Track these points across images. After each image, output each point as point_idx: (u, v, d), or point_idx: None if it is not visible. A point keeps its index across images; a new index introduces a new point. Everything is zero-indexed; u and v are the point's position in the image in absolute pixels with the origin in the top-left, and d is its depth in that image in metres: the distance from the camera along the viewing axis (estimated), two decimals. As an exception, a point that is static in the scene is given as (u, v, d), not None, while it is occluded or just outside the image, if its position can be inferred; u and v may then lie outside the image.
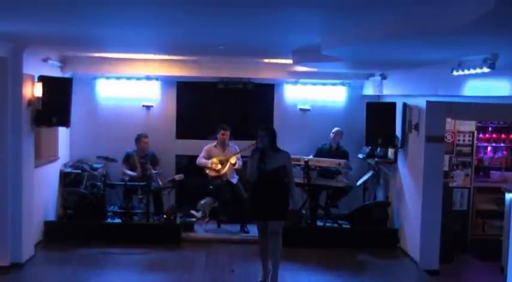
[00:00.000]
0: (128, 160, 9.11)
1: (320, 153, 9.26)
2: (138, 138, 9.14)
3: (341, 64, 7.72)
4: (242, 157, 8.95)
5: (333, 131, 9.35)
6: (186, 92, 9.86)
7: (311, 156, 9.11)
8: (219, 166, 8.93)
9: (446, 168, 8.35)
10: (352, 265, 7.87)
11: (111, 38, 6.29)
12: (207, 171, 9.00)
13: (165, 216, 8.58)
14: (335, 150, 9.28)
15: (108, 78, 9.53)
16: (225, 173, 8.92)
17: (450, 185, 8.44)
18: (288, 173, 6.62)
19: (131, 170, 9.01)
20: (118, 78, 9.53)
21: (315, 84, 9.82)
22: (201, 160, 9.08)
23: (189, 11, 4.15)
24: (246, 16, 4.32)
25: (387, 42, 4.67)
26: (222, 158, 8.97)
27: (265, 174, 6.46)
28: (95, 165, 9.18)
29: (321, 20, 4.49)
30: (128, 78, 9.54)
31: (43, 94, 7.36)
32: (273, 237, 6.55)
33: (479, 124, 9.33)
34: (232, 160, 8.89)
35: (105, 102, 9.71)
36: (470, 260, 8.31)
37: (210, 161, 8.97)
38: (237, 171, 9.14)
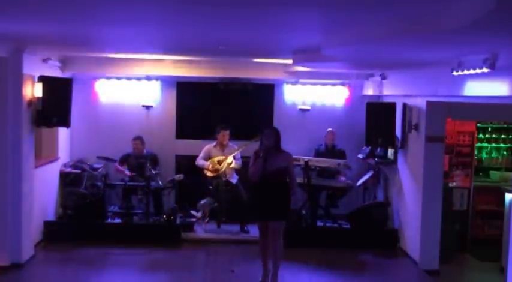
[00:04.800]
0: (125, 160, 9.09)
1: (317, 154, 9.28)
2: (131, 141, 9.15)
3: (341, 64, 7.72)
4: (242, 157, 8.96)
5: (327, 131, 9.38)
6: (186, 92, 9.87)
7: (311, 157, 9.12)
8: (218, 166, 8.93)
9: (446, 168, 8.36)
10: (352, 265, 7.87)
11: (111, 38, 6.28)
12: (206, 171, 9.01)
13: (164, 216, 8.58)
14: (331, 150, 9.31)
15: (108, 78, 9.54)
16: (224, 172, 8.91)
17: (450, 185, 8.45)
18: (290, 173, 6.62)
19: (130, 171, 9.00)
20: (118, 78, 9.54)
21: (314, 84, 9.82)
22: (200, 161, 9.08)
23: (189, 11, 4.15)
24: (246, 16, 4.32)
25: (387, 42, 4.67)
26: (220, 159, 8.97)
27: (266, 174, 6.45)
28: (95, 165, 9.18)
29: (321, 20, 4.49)
30: (128, 78, 9.55)
31: (43, 94, 7.36)
32: (273, 238, 6.55)
33: (479, 124, 9.35)
34: (229, 160, 8.88)
35: (105, 102, 9.71)
36: (470, 260, 8.31)
37: (208, 163, 8.97)
38: (237, 171, 9.14)
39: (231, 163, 8.91)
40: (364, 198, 9.32)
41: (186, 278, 7.10)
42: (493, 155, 9.64)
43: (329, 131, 9.39)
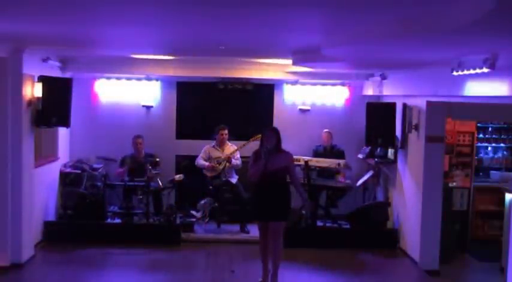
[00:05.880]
0: (124, 163, 9.09)
1: (316, 155, 9.26)
2: (132, 140, 9.15)
3: (341, 64, 7.72)
4: (242, 157, 8.95)
5: (323, 132, 9.37)
6: (186, 92, 9.87)
7: (311, 157, 9.12)
8: (217, 166, 8.94)
9: (446, 168, 8.35)
10: (352, 265, 7.87)
11: (111, 38, 6.28)
12: (205, 171, 9.01)
13: (162, 219, 8.58)
14: (330, 151, 9.30)
15: (108, 78, 9.54)
16: (223, 171, 8.91)
17: (450, 185, 8.45)
18: (292, 173, 6.61)
19: (130, 173, 8.99)
20: (118, 78, 9.54)
21: (314, 84, 9.81)
22: (199, 161, 9.08)
23: (189, 11, 4.15)
24: (246, 16, 4.32)
25: (387, 42, 4.68)
26: (220, 158, 8.97)
27: (267, 174, 6.44)
28: (95, 166, 9.18)
29: (321, 19, 4.49)
30: (128, 78, 9.55)
31: (43, 94, 7.37)
32: (274, 238, 6.55)
33: (479, 124, 9.35)
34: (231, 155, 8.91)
35: (105, 102, 9.71)
36: (470, 260, 8.31)
37: (207, 163, 8.97)
38: (237, 171, 9.15)
39: (230, 162, 8.93)
40: (364, 198, 9.32)
41: (186, 278, 7.09)
42: (493, 155, 9.65)
43: (325, 131, 9.39)
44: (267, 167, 6.41)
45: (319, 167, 8.95)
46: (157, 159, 9.07)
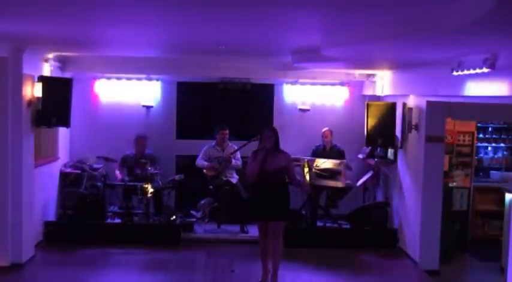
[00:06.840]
0: (125, 162, 9.09)
1: (315, 154, 9.25)
2: (135, 140, 9.14)
3: (341, 64, 7.73)
4: (242, 157, 8.95)
5: (322, 131, 9.34)
6: (186, 92, 9.87)
7: (311, 157, 9.11)
8: (217, 165, 8.94)
9: (446, 168, 8.35)
10: (352, 265, 7.87)
11: (111, 38, 6.29)
12: (206, 171, 9.01)
13: (162, 219, 8.59)
14: (330, 150, 9.28)
15: (108, 78, 9.53)
16: (223, 171, 8.91)
17: (450, 185, 8.45)
18: (290, 172, 6.60)
19: (130, 172, 8.99)
20: (118, 78, 9.53)
21: (314, 84, 9.80)
22: (199, 161, 9.08)
23: (189, 11, 4.15)
24: (246, 16, 4.32)
25: (387, 42, 4.68)
26: (220, 158, 8.97)
27: (266, 174, 6.45)
28: (95, 166, 9.18)
29: (321, 19, 4.49)
30: (128, 78, 9.54)
31: (43, 94, 7.37)
32: (273, 238, 6.55)
33: (479, 124, 9.35)
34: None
35: (105, 102, 9.70)
36: (470, 260, 8.31)
37: (207, 163, 8.97)
38: (237, 171, 9.15)
39: (231, 162, 8.93)
40: (364, 198, 9.32)
41: (186, 278, 7.09)
42: (493, 155, 9.65)
43: (326, 130, 9.36)
44: (266, 167, 6.42)
45: (319, 168, 8.93)
46: (157, 160, 9.07)
